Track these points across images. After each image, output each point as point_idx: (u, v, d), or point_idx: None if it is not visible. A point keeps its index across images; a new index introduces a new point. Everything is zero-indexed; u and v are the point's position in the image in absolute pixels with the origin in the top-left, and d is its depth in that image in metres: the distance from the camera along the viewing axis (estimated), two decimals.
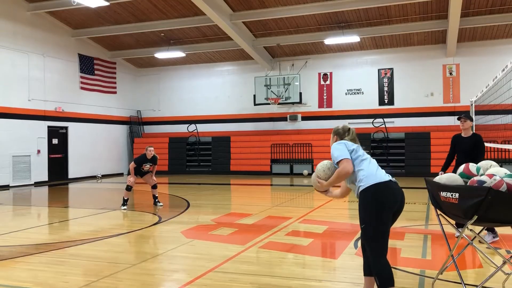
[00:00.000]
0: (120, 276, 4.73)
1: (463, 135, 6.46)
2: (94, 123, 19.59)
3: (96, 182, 17.87)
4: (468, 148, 6.29)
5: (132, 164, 9.77)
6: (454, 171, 5.47)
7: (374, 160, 3.73)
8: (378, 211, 3.42)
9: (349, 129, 3.93)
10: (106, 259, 5.47)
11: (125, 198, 9.65)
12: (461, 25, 15.44)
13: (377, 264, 3.41)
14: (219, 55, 20.51)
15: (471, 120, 6.52)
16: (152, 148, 9.86)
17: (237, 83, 20.98)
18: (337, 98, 19.53)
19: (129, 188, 9.66)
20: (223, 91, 21.19)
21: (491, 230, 5.88)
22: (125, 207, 9.57)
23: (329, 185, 3.78)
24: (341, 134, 3.91)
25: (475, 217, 3.48)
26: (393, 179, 3.58)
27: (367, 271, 3.71)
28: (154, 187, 10.04)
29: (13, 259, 5.54)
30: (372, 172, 3.54)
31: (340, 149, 3.64)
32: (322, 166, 3.86)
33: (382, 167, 3.52)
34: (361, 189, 3.53)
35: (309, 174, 18.46)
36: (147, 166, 9.83)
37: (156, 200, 9.99)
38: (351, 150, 3.66)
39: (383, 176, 3.54)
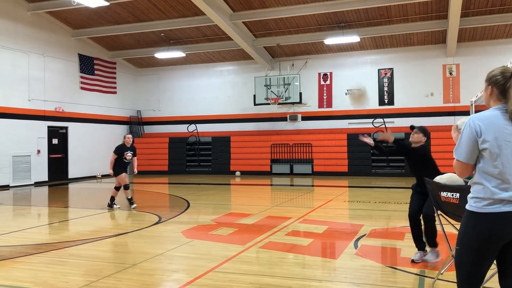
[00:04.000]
0: (120, 276, 4.73)
1: None
2: (94, 123, 19.58)
3: (96, 182, 17.86)
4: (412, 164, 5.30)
5: (113, 155, 9.56)
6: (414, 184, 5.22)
7: None
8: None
9: None
10: (106, 259, 5.47)
11: (113, 197, 9.65)
12: (461, 25, 15.44)
13: None
14: (219, 55, 20.51)
15: (425, 135, 5.30)
16: (130, 136, 9.78)
17: (237, 83, 20.98)
18: (337, 98, 19.53)
19: (127, 187, 9.68)
20: (223, 91, 21.19)
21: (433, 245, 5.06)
22: (114, 206, 9.56)
23: None
24: (500, 83, 2.53)
25: None
26: None
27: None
28: (126, 187, 9.71)
29: (13, 259, 5.53)
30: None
31: (461, 139, 2.52)
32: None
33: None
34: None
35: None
36: (129, 155, 9.60)
37: (131, 201, 9.71)
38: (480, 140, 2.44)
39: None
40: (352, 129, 18.94)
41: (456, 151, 2.55)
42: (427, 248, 5.05)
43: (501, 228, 2.43)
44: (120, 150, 9.64)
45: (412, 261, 5.07)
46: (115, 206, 9.64)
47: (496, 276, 3.98)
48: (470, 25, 15.91)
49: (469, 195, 2.57)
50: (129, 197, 9.75)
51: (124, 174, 9.62)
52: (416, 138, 5.22)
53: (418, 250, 5.11)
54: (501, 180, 2.43)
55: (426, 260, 4.97)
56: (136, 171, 10.00)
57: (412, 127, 5.37)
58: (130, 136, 9.78)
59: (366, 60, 19.18)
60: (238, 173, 19.56)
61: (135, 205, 9.69)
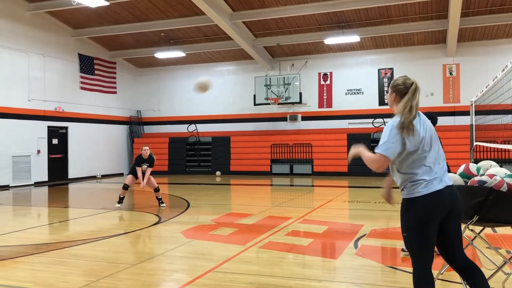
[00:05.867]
0: (120, 276, 4.73)
1: None
2: (94, 123, 19.57)
3: (96, 182, 17.86)
4: None
5: (137, 168, 9.74)
6: None
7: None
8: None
9: (412, 84, 2.99)
10: (106, 259, 5.47)
11: (121, 196, 9.79)
12: (461, 25, 15.43)
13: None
14: (219, 55, 20.50)
15: None
16: (147, 148, 9.89)
17: (237, 83, 20.97)
18: (337, 98, 19.52)
19: (126, 187, 9.74)
20: (223, 91, 21.17)
21: None
22: (119, 205, 9.67)
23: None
24: (402, 92, 3.00)
25: (476, 217, 3.47)
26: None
27: None
28: (156, 190, 9.91)
29: (13, 259, 5.53)
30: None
31: (387, 137, 2.89)
32: None
33: None
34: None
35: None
36: (144, 166, 9.77)
37: (160, 201, 9.88)
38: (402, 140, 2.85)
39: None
40: (352, 129, 18.94)
41: (382, 146, 2.96)
42: None
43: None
44: (137, 163, 9.81)
45: (402, 249, 5.36)
46: (117, 205, 9.73)
47: (496, 276, 3.98)
48: (470, 25, 15.91)
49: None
50: (158, 197, 9.92)
51: (130, 176, 9.86)
52: None
53: None
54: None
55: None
56: (143, 185, 9.65)
57: None
58: (146, 148, 9.88)
59: (366, 60, 19.18)
60: (218, 173, 19.67)
61: (163, 205, 9.82)
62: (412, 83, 2.97)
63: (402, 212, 3.00)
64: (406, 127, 2.84)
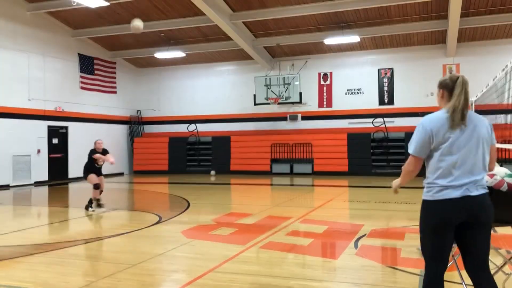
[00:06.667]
0: (119, 276, 4.73)
1: None
2: (94, 123, 19.56)
3: None
4: None
5: (96, 155, 9.43)
6: None
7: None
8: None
9: (458, 78, 2.92)
10: (106, 259, 5.47)
11: (97, 198, 9.38)
12: (461, 25, 15.42)
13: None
14: (219, 55, 20.50)
15: None
16: (100, 141, 9.68)
17: (237, 83, 20.97)
18: (337, 98, 19.52)
19: (97, 187, 9.38)
20: (223, 91, 21.18)
21: None
22: (104, 209, 9.27)
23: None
24: (449, 86, 2.95)
25: None
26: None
27: None
28: (96, 187, 9.47)
29: (13, 259, 5.53)
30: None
31: (416, 135, 2.92)
32: None
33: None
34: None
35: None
36: (100, 161, 9.53)
37: (95, 203, 9.46)
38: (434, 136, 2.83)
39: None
40: (352, 129, 18.94)
41: (411, 147, 2.96)
42: None
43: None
44: (91, 156, 9.53)
45: (418, 248, 5.31)
46: (101, 209, 9.36)
47: (496, 276, 3.97)
48: (470, 25, 15.90)
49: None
50: (97, 198, 9.50)
51: (92, 175, 9.44)
52: None
53: None
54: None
55: None
56: (113, 159, 9.58)
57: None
58: (100, 142, 9.69)
59: (366, 60, 19.17)
60: (213, 172, 19.78)
61: (103, 208, 9.35)
62: (459, 76, 2.94)
63: (420, 211, 2.96)
64: (456, 120, 2.79)
